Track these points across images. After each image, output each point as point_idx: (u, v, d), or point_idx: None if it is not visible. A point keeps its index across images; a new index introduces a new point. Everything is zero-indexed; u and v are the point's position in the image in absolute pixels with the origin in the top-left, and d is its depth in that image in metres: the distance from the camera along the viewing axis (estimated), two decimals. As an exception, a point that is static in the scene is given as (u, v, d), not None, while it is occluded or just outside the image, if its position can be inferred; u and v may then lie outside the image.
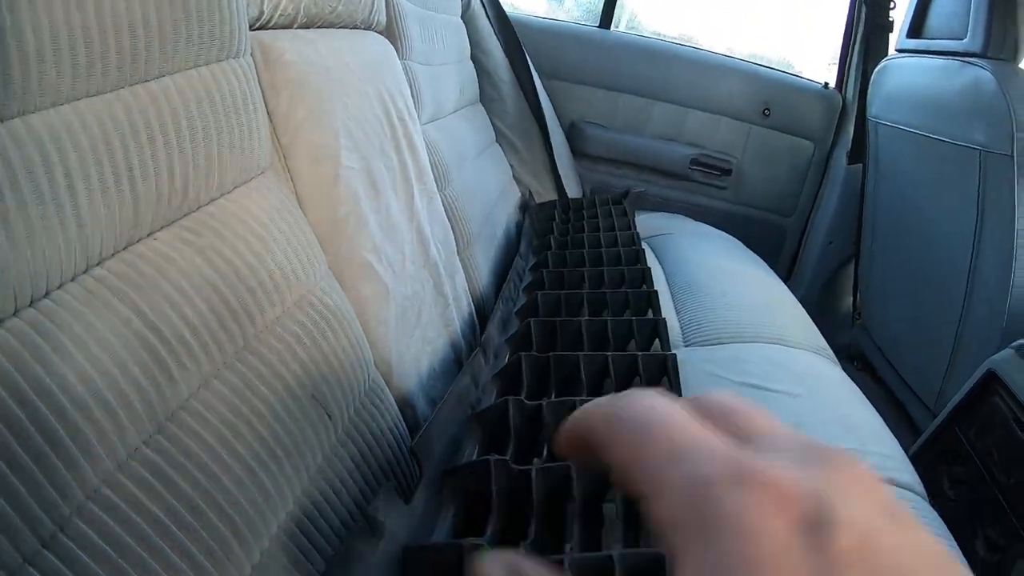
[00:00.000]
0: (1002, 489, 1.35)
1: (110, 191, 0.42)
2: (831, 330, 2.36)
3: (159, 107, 0.47)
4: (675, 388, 0.88)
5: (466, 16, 1.70)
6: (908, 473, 1.08)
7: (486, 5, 1.81)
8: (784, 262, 2.37)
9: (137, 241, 0.46)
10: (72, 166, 0.40)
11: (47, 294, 0.39)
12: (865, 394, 2.09)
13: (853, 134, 2.09)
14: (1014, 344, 1.36)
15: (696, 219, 2.12)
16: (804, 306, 2.30)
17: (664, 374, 0.88)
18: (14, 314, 0.37)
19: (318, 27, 0.82)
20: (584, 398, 0.77)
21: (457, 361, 0.94)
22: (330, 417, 0.57)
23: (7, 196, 0.35)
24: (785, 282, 2.36)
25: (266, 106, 0.64)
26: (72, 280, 0.41)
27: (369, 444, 0.65)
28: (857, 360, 2.25)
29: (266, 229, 0.58)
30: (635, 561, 0.54)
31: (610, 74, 2.11)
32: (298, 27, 0.77)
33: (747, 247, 2.02)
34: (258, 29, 0.68)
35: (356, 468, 0.62)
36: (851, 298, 2.30)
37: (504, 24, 1.85)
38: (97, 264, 0.43)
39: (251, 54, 0.60)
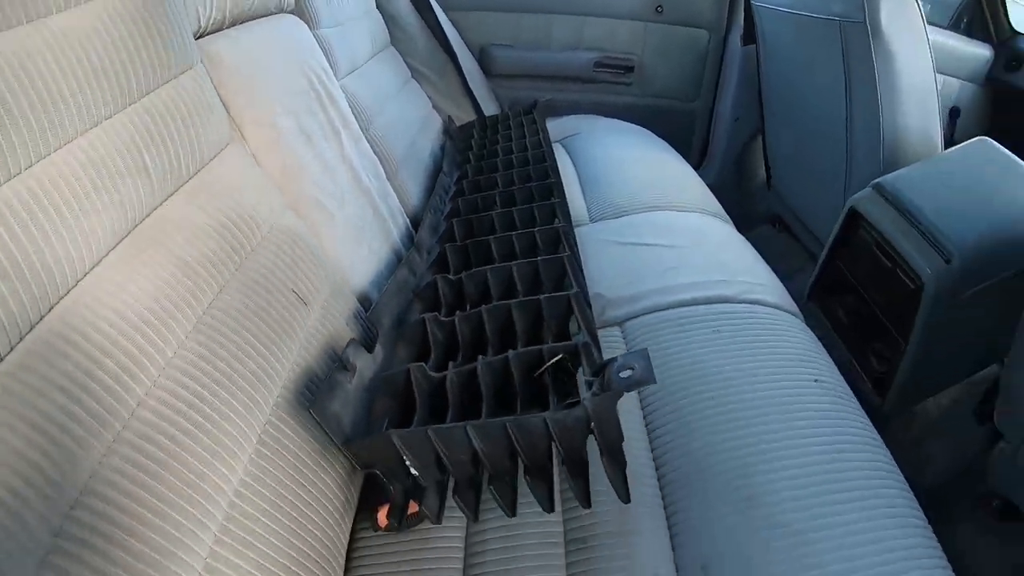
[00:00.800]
0: (880, 308, 1.53)
1: (134, 176, 0.66)
2: (750, 198, 2.58)
3: (152, 114, 0.70)
4: (572, 250, 1.12)
5: (366, -28, 1.84)
6: (778, 295, 1.29)
7: (382, -44, 1.93)
8: (697, 143, 2.55)
9: (155, 208, 0.70)
10: (111, 162, 0.63)
11: (108, 252, 0.62)
12: (785, 251, 2.31)
13: (744, 18, 2.24)
14: (872, 183, 1.52)
15: (608, 116, 2.30)
16: (722, 178, 2.53)
17: (559, 243, 1.13)
18: (92, 269, 0.60)
19: (243, 22, 1.04)
20: (496, 266, 1.03)
21: (406, 271, 1.18)
22: (306, 304, 0.82)
23: (80, 196, 0.59)
24: (701, 160, 2.56)
25: (219, 95, 0.87)
26: (121, 240, 0.65)
27: (339, 325, 0.90)
28: (777, 223, 2.44)
29: (238, 184, 0.82)
30: (526, 359, 0.80)
31: (509, -3, 2.26)
32: (227, 27, 0.99)
33: (658, 134, 2.20)
34: (200, 38, 0.91)
35: (332, 341, 0.87)
36: (764, 167, 2.47)
37: None
38: (135, 227, 0.67)
39: (201, 61, 0.83)
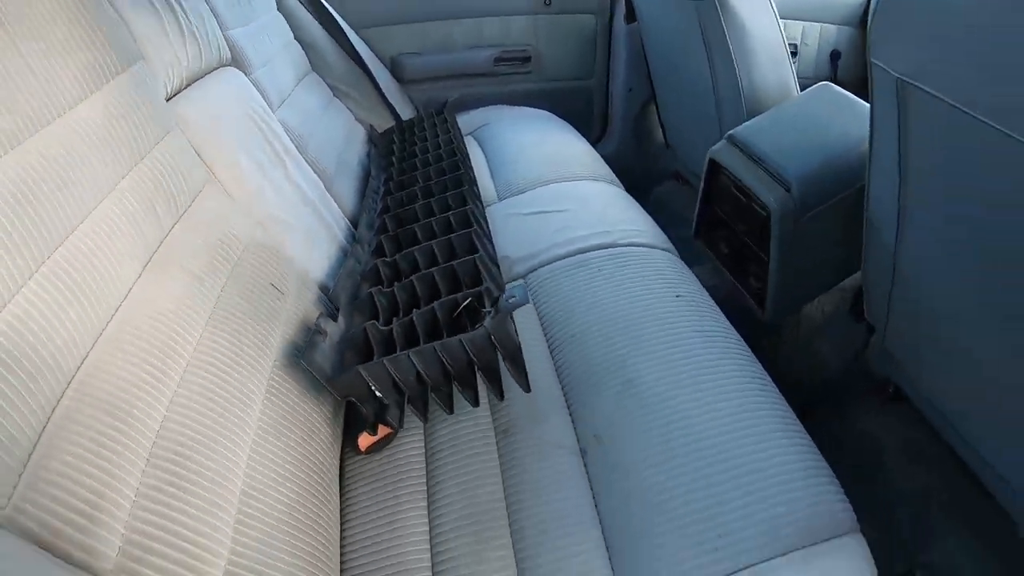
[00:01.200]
0: (747, 236, 1.76)
1: (148, 216, 0.92)
2: (652, 158, 2.83)
3: (152, 169, 0.96)
4: (480, 225, 1.40)
5: (281, 8, 2.06)
6: (652, 237, 1.56)
7: (295, -9, 2.14)
8: (598, 116, 2.81)
9: (164, 238, 0.96)
10: (132, 207, 0.90)
11: (139, 275, 0.89)
12: (688, 201, 2.58)
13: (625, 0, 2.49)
14: (726, 135, 1.77)
15: (513, 104, 2.54)
16: (624, 144, 2.79)
17: (469, 221, 1.41)
18: (133, 285, 0.88)
19: (198, 79, 1.30)
20: (420, 246, 1.31)
21: (353, 261, 1.45)
22: (283, 294, 1.10)
23: (117, 235, 0.86)
24: (603, 130, 2.80)
25: (192, 146, 1.14)
26: (146, 265, 0.91)
27: (309, 306, 1.18)
28: (677, 177, 2.72)
29: (218, 212, 1.09)
30: (447, 305, 1.10)
31: (412, 9, 2.46)
32: (186, 87, 1.25)
33: (560, 114, 2.44)
34: (167, 101, 1.18)
35: (305, 319, 1.14)
36: (660, 130, 2.73)
37: (314, 2, 2.18)
38: (153, 253, 0.93)
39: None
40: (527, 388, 1.05)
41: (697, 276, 2.25)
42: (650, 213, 1.83)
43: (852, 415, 1.95)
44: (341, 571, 0.95)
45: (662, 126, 2.72)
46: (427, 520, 0.99)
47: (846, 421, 1.95)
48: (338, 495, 1.03)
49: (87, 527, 0.63)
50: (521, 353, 1.03)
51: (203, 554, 0.72)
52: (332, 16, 2.21)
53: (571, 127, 2.35)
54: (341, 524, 1.01)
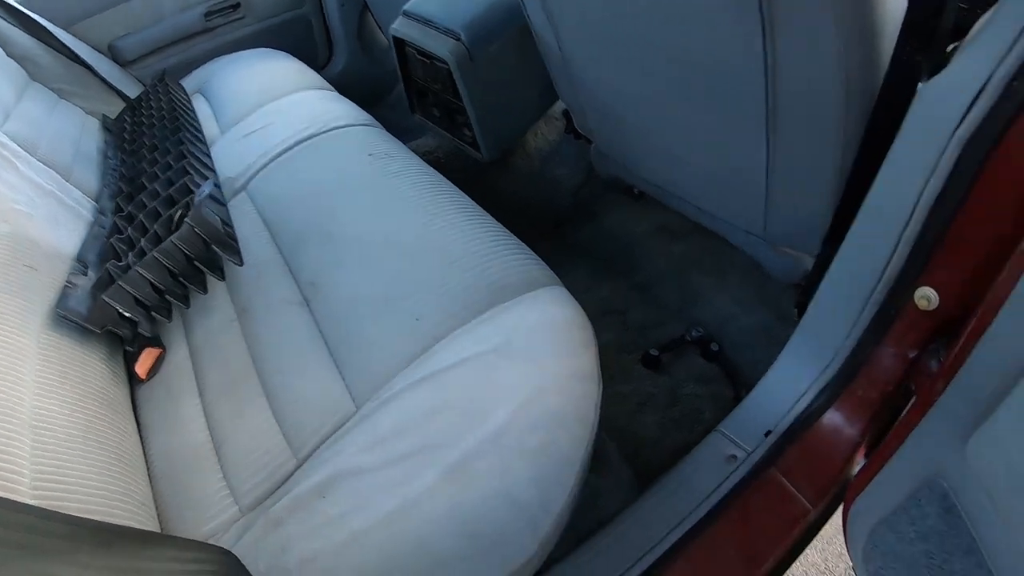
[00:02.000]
0: (445, 94, 2.04)
1: None
2: (380, 64, 3.13)
3: None
4: (194, 157, 1.67)
5: (-12, 31, 2.14)
6: (354, 118, 1.83)
7: (-1, 13, 2.23)
8: (321, 40, 3.03)
9: None
10: None
11: None
12: None
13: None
14: (401, 11, 2.02)
15: (237, 51, 2.66)
16: (354, 57, 3.04)
17: (183, 158, 1.67)
18: None
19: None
20: (146, 191, 1.57)
21: (97, 227, 1.69)
22: (35, 269, 1.35)
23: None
24: (331, 52, 3.03)
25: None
26: None
27: (60, 275, 1.40)
28: None
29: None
30: (165, 224, 1.39)
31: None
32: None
33: (286, 47, 2.62)
34: None
35: (59, 285, 1.40)
36: (382, 34, 3.01)
37: (15, 14, 2.25)
38: None
39: None
40: (240, 263, 1.36)
41: (424, 144, 2.58)
42: (388, 113, 2.03)
43: (601, 219, 2.31)
44: (149, 474, 1.12)
45: (380, 29, 2.97)
46: (200, 405, 1.19)
47: (597, 225, 2.31)
48: (131, 418, 1.20)
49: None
50: (226, 236, 1.33)
51: (8, 475, 0.87)
52: (38, 23, 2.28)
53: (285, 54, 2.54)
54: (142, 439, 1.18)
